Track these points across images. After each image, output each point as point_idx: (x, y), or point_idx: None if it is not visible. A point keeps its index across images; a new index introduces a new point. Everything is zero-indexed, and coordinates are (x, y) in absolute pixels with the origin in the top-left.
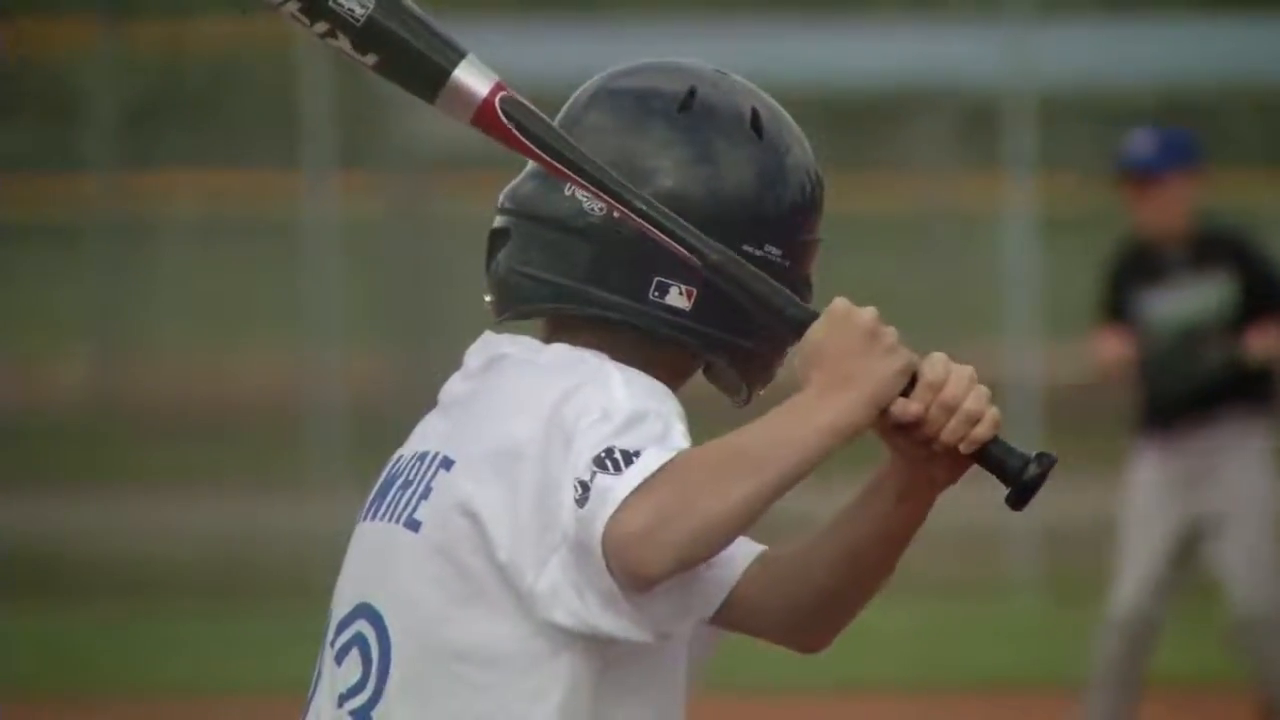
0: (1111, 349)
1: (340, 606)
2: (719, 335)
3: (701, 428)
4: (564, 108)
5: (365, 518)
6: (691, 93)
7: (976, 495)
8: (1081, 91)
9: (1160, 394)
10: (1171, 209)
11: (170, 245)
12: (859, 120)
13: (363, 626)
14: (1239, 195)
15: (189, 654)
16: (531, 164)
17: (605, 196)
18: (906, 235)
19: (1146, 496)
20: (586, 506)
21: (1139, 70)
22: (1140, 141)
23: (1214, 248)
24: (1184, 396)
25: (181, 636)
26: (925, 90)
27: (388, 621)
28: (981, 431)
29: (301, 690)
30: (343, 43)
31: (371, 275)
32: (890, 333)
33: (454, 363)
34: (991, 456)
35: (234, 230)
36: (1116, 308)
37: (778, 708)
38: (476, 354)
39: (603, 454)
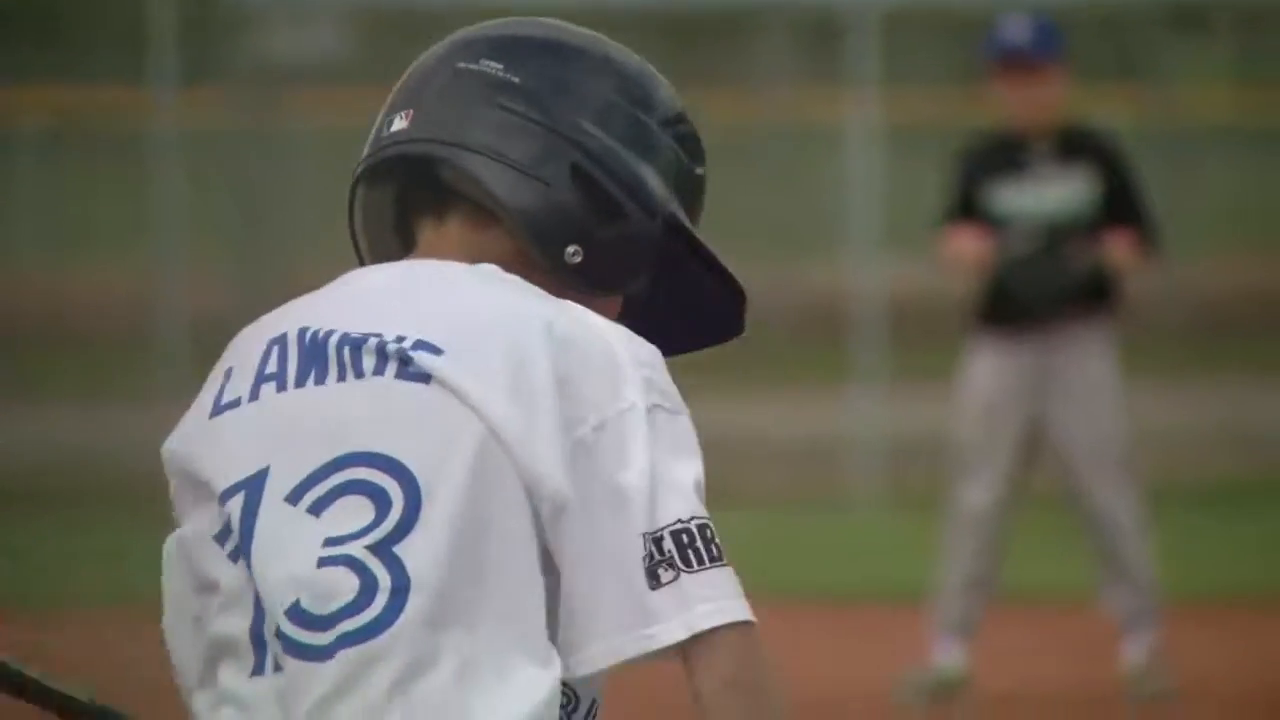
0: (969, 246)
1: (290, 466)
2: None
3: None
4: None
5: (285, 387)
6: None
7: (817, 410)
8: (923, 3)
9: (1016, 290)
10: (1045, 99)
11: (17, 160)
12: (699, 33)
13: (365, 474)
14: (1087, 111)
15: (32, 565)
16: None
17: None
18: (750, 150)
19: (990, 394)
20: (667, 586)
21: None
22: (1016, 28)
23: (1079, 145)
24: (1041, 294)
25: (25, 547)
26: (765, 1)
27: (413, 471)
28: None
29: (140, 602)
30: None
31: (217, 190)
32: None
33: (297, 275)
34: None
35: (81, 146)
36: (968, 204)
37: None
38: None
39: (684, 530)
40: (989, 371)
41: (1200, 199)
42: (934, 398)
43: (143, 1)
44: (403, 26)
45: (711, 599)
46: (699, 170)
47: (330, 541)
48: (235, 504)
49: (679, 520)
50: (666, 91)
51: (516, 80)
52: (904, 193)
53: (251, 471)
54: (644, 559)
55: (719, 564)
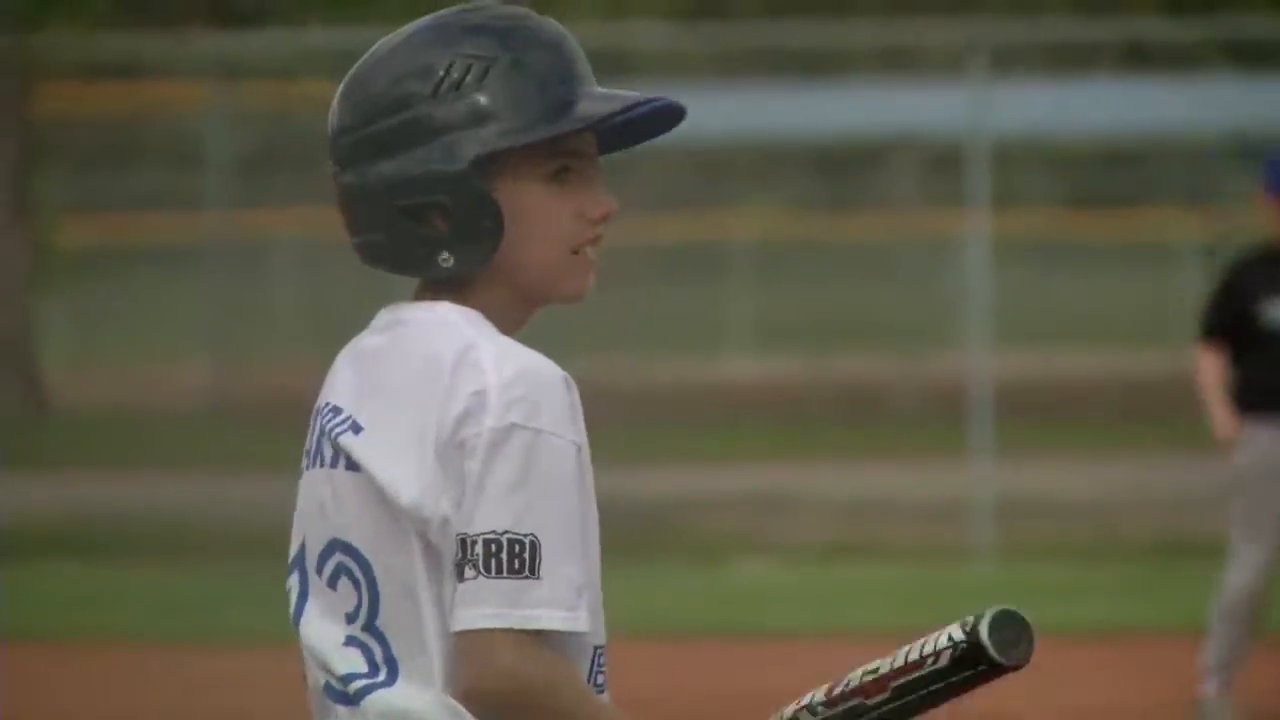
0: (1215, 388)
1: (313, 543)
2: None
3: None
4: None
5: (307, 466)
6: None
7: (942, 476)
8: (1031, 139)
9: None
10: None
11: (277, 270)
12: (845, 165)
13: (344, 559)
14: (1163, 229)
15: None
16: None
17: None
18: (883, 261)
19: (1258, 479)
20: (468, 581)
21: (1079, 122)
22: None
23: None
24: None
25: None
26: (899, 138)
27: (364, 553)
28: None
29: None
30: None
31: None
32: None
33: None
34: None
35: (330, 257)
36: (1233, 315)
37: (772, 651)
38: (385, 312)
39: (494, 541)
40: (1257, 458)
41: None
42: (1037, 466)
43: None
44: None
45: (492, 604)
46: (510, 58)
47: (347, 620)
48: (295, 577)
49: (493, 531)
50: (436, 47)
51: (341, 149)
52: (1011, 296)
53: (298, 545)
54: (456, 557)
55: (519, 576)
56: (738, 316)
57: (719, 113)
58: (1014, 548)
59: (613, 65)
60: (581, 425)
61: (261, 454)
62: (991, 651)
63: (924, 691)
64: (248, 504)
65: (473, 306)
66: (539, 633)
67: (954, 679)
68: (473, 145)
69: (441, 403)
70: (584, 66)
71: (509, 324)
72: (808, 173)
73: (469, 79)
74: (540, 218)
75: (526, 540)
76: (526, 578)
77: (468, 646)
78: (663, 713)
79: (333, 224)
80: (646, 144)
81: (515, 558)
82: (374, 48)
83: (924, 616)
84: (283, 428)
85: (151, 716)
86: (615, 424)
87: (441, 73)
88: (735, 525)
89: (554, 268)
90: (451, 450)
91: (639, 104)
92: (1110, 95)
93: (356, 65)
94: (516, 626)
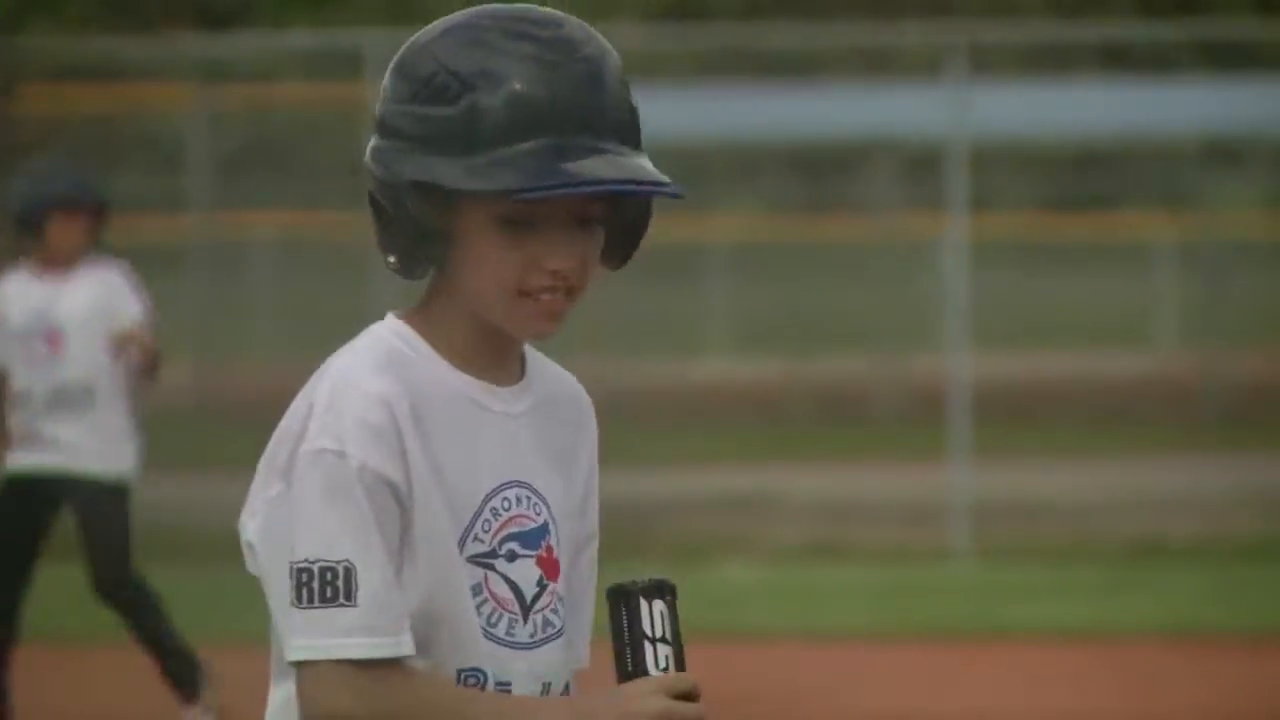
0: None
1: None
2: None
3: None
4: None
5: None
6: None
7: (920, 477)
8: (1009, 141)
9: None
10: None
11: (257, 270)
12: (823, 167)
13: None
14: (1141, 231)
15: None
16: None
17: None
18: (861, 263)
19: None
20: (291, 611)
21: (1056, 124)
22: None
23: None
24: None
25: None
26: (878, 141)
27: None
28: None
29: None
30: None
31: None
32: None
33: None
34: None
35: (311, 257)
36: None
37: (752, 651)
38: None
39: (305, 569)
40: None
41: (1234, 302)
42: (1015, 467)
43: (362, 137)
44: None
45: (304, 635)
46: (452, 112)
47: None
48: None
49: (306, 560)
50: (425, 60)
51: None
52: (990, 298)
53: None
54: (290, 585)
55: (331, 604)
56: (716, 318)
57: (697, 114)
58: (992, 549)
59: None
60: (400, 445)
61: (241, 454)
62: (627, 584)
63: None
64: (228, 504)
65: (435, 317)
66: (371, 661)
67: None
68: (413, 167)
69: (295, 432)
70: (581, 115)
71: (479, 342)
72: (786, 174)
73: (444, 96)
74: (486, 254)
75: (340, 567)
76: (340, 605)
77: (297, 678)
78: None
79: (313, 225)
80: None
81: (327, 585)
82: (424, 30)
83: (902, 617)
84: (263, 427)
85: (134, 716)
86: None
87: (427, 76)
88: (714, 527)
89: (498, 305)
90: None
91: (577, 184)
92: (1088, 97)
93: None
94: (327, 657)
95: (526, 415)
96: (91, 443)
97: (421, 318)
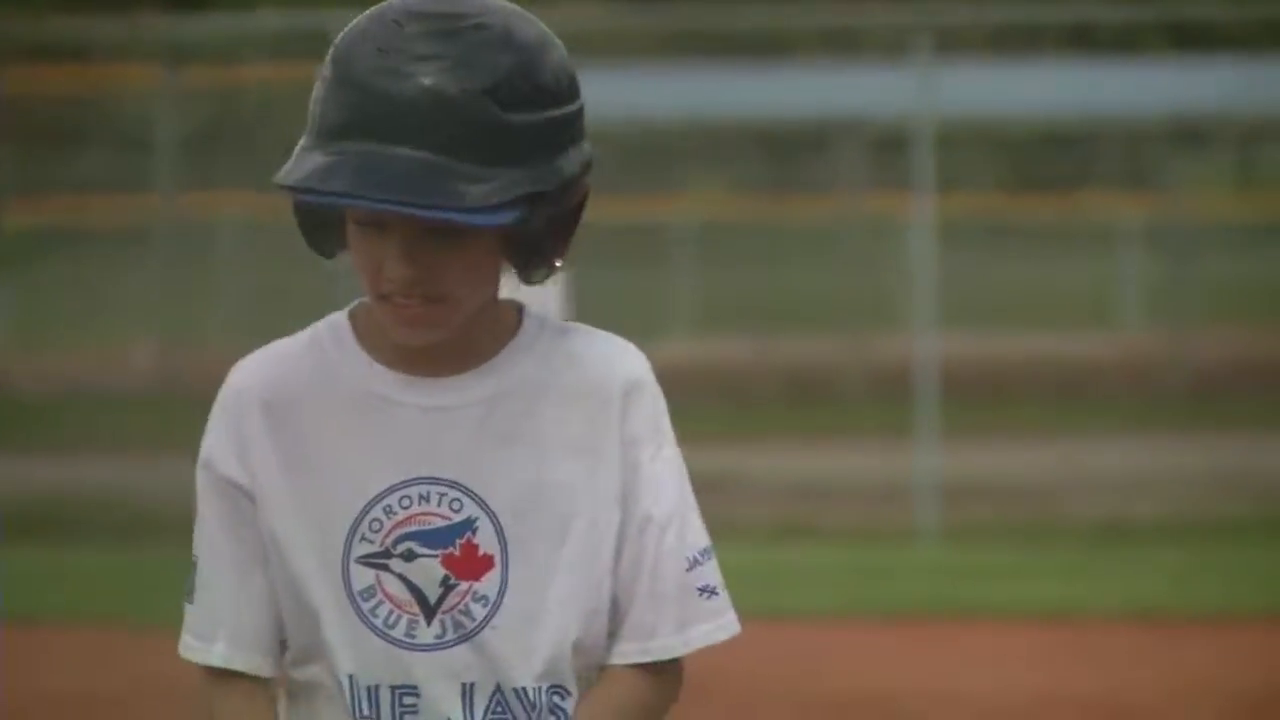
0: None
1: None
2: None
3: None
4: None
5: None
6: None
7: (886, 457)
8: (975, 122)
9: None
10: None
11: (224, 252)
12: (789, 147)
13: None
14: (1106, 212)
15: None
16: None
17: None
18: (827, 244)
19: None
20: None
21: (1023, 104)
22: None
23: None
24: None
25: None
26: (843, 121)
27: None
28: None
29: None
30: None
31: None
32: None
33: None
34: None
35: (278, 240)
36: None
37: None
38: None
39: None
40: None
41: (1199, 283)
42: (981, 447)
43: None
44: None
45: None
46: (315, 100)
47: None
48: None
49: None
50: (351, 33)
51: None
52: (956, 278)
53: None
54: None
55: (187, 599)
56: (681, 299)
57: (662, 94)
58: (959, 529)
59: None
60: (244, 445)
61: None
62: None
63: None
64: (192, 486)
65: (368, 308)
66: (207, 665)
67: None
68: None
69: None
70: (371, 111)
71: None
72: (751, 154)
73: (321, 81)
74: (354, 259)
75: (194, 564)
76: (189, 602)
77: None
78: None
79: (280, 207)
80: (588, 125)
81: (189, 581)
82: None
83: (868, 598)
84: None
85: (102, 697)
86: None
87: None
88: None
89: (374, 305)
90: None
91: (307, 191)
92: (1054, 77)
93: None
94: (182, 653)
95: (474, 406)
96: None
97: (363, 310)
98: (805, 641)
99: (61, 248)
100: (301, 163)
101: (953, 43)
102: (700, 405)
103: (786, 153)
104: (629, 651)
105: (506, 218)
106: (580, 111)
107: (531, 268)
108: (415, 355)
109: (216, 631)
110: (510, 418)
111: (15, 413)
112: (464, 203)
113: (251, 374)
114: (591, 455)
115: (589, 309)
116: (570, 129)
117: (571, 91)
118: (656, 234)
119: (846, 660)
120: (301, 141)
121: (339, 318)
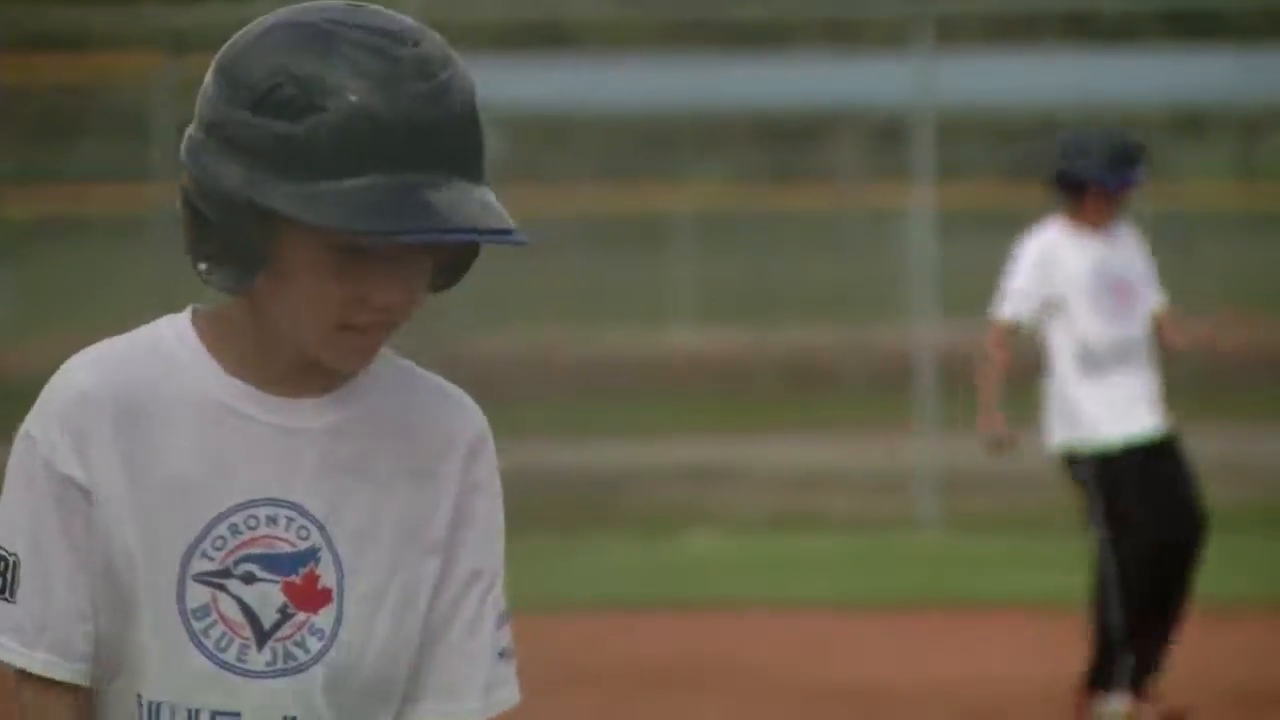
0: None
1: None
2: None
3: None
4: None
5: None
6: None
7: (886, 447)
8: (975, 111)
9: None
10: None
11: None
12: (789, 136)
13: None
14: None
15: None
16: None
17: None
18: (827, 233)
19: None
20: None
21: (1022, 94)
22: None
23: None
24: None
25: None
26: (843, 110)
27: None
28: None
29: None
30: None
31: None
32: None
33: None
34: None
35: None
36: None
37: (719, 621)
38: None
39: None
40: None
41: (1202, 271)
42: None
43: None
44: (525, 136)
45: None
46: (296, 130)
47: None
48: None
49: (2, 548)
50: (266, 64)
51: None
52: (955, 267)
53: None
54: None
55: (2, 598)
56: (680, 288)
57: (663, 83)
58: (958, 518)
59: (552, 38)
60: (88, 448)
61: None
62: None
63: None
64: None
65: (224, 320)
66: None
67: None
68: (240, 180)
69: None
70: (423, 147)
71: (269, 352)
72: (751, 144)
73: (286, 111)
74: (307, 284)
75: (11, 559)
76: (5, 600)
77: None
78: (610, 683)
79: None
80: (589, 114)
81: (2, 576)
82: (253, 26)
83: (868, 587)
84: None
85: None
86: (558, 396)
87: (269, 86)
88: (680, 497)
89: (313, 337)
90: None
91: (413, 231)
92: (1053, 67)
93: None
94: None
95: (323, 432)
96: None
97: (212, 318)
98: (804, 631)
99: (60, 237)
100: (339, 201)
101: (952, 32)
102: (700, 394)
103: (786, 142)
104: (429, 711)
105: (525, 235)
106: None
107: (444, 286)
108: (277, 374)
109: (40, 637)
110: (356, 448)
111: (13, 401)
112: (511, 224)
113: (98, 376)
114: (429, 497)
115: (590, 298)
116: None
117: None
118: (655, 222)
119: (845, 650)
120: (293, 178)
121: (182, 323)
